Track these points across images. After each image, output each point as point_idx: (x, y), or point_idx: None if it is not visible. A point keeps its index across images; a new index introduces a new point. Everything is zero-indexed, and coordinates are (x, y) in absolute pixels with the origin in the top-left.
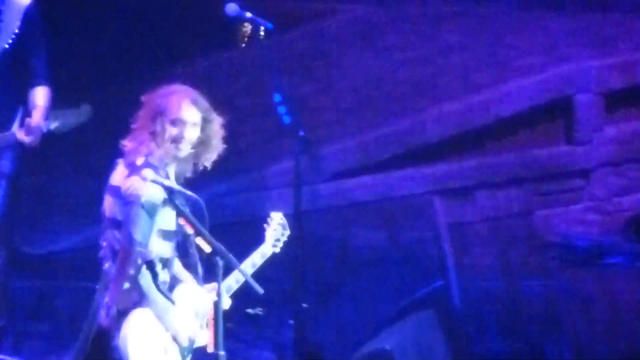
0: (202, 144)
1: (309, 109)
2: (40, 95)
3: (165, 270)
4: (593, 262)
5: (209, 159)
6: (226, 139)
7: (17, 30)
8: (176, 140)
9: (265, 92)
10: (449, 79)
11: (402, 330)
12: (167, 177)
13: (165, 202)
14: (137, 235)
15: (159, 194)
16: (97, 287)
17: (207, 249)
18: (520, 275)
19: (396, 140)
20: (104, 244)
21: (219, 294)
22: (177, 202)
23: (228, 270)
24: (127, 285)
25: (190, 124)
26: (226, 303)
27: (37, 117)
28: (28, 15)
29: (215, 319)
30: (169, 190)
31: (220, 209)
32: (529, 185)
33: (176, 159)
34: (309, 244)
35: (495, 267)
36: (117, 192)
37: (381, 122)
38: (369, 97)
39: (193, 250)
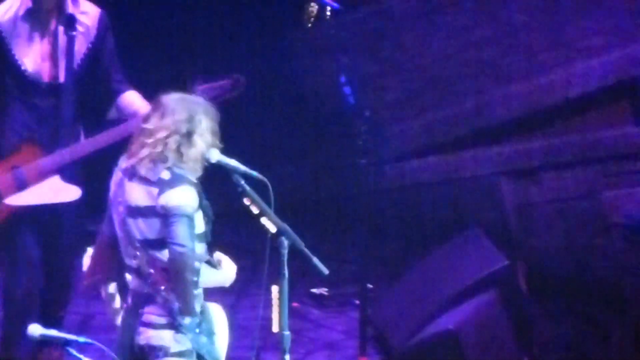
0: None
1: (374, 89)
2: (137, 98)
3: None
4: None
5: None
6: (289, 120)
7: (93, 39)
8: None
9: (330, 72)
10: (515, 59)
11: (467, 311)
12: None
13: (197, 207)
14: (189, 244)
15: (195, 201)
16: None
17: (273, 229)
18: (586, 256)
19: (462, 120)
20: (152, 270)
21: (284, 275)
22: (242, 182)
23: (293, 251)
24: (195, 292)
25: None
26: None
27: None
28: (102, 21)
29: (280, 299)
30: (234, 171)
31: (287, 189)
32: (596, 166)
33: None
34: (375, 225)
35: (561, 248)
36: (151, 211)
37: (447, 102)
38: (434, 77)
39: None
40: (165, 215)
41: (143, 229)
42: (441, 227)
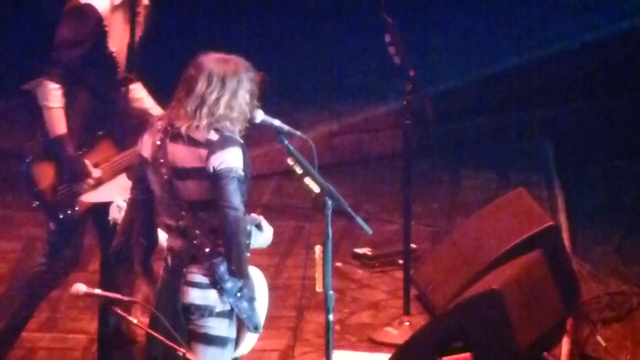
0: None
1: (419, 49)
2: (144, 91)
3: None
4: None
5: None
6: (333, 80)
7: (142, 32)
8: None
9: (374, 31)
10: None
11: (511, 271)
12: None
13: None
14: (241, 206)
15: (243, 162)
16: (165, 268)
17: (316, 189)
18: (631, 216)
19: (508, 81)
20: (198, 232)
21: (328, 235)
22: (286, 142)
23: (337, 211)
24: (248, 254)
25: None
26: None
27: None
28: (148, 15)
29: (324, 259)
30: (278, 131)
31: (330, 149)
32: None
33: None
34: (419, 185)
35: (606, 208)
36: (199, 173)
37: (492, 62)
38: (479, 37)
39: None
40: (216, 178)
41: (191, 190)
42: (485, 187)
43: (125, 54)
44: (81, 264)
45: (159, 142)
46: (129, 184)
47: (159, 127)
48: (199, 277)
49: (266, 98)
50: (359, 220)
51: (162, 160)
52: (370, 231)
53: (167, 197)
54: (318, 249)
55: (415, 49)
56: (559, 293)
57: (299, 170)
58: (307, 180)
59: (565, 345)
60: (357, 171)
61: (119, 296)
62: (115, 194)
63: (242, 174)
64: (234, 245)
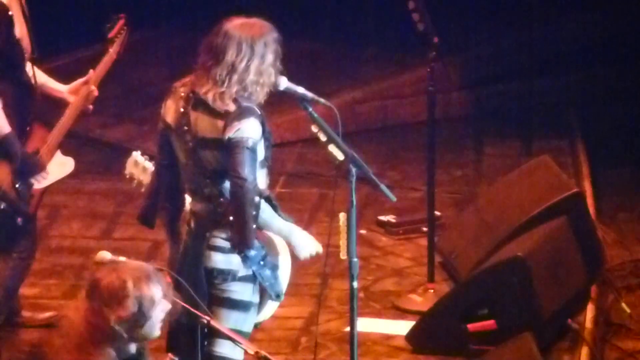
0: None
1: (442, 15)
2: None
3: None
4: None
5: None
6: (355, 47)
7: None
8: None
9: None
10: None
11: (536, 238)
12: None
13: (260, 137)
14: (250, 177)
15: (258, 133)
16: (189, 232)
17: (340, 156)
18: None
19: (531, 48)
20: (222, 200)
21: (352, 202)
22: (310, 109)
23: (361, 178)
24: (254, 225)
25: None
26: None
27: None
28: None
29: (348, 226)
30: (302, 98)
31: (354, 116)
32: None
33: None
34: (442, 152)
35: (630, 175)
36: (218, 144)
37: (517, 30)
38: (503, 4)
39: None
40: (228, 146)
41: (212, 160)
42: (509, 155)
43: (28, 39)
44: (106, 233)
45: (182, 110)
46: (66, 159)
47: (182, 94)
48: (222, 242)
49: (290, 65)
50: (383, 187)
51: (186, 128)
52: (394, 198)
53: (192, 164)
54: (342, 216)
55: (439, 15)
56: (583, 260)
57: (323, 137)
58: (331, 148)
59: (589, 312)
60: (381, 139)
61: (143, 264)
62: (57, 173)
63: (252, 145)
64: (239, 216)
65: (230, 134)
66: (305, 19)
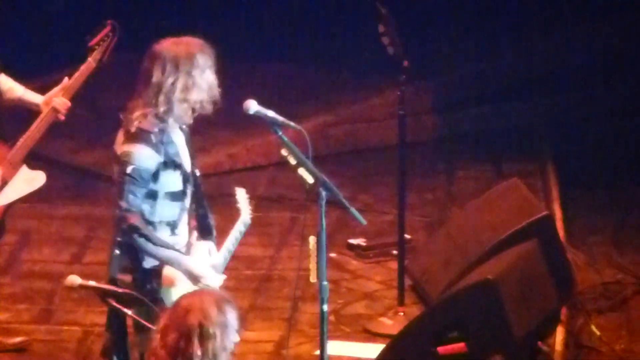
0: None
1: (413, 40)
2: (9, 80)
3: (175, 232)
4: None
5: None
6: (327, 71)
7: None
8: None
9: (368, 24)
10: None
11: (506, 261)
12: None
13: (166, 165)
14: (123, 204)
15: (148, 159)
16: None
17: (310, 180)
18: (626, 206)
19: (501, 72)
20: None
21: (322, 225)
22: (280, 133)
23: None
24: (117, 252)
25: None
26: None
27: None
28: None
29: (318, 250)
30: (272, 122)
31: (325, 139)
32: None
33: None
34: (413, 176)
35: (600, 198)
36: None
37: (487, 55)
38: (474, 30)
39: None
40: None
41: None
42: (480, 178)
43: None
44: (76, 257)
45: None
46: (33, 174)
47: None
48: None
49: (261, 88)
50: (354, 210)
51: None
52: (364, 222)
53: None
54: (312, 239)
55: (409, 39)
56: (553, 282)
57: (293, 160)
58: (301, 171)
59: (559, 334)
60: (352, 162)
61: (114, 288)
62: (23, 188)
63: (134, 172)
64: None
65: (118, 152)
66: (277, 42)
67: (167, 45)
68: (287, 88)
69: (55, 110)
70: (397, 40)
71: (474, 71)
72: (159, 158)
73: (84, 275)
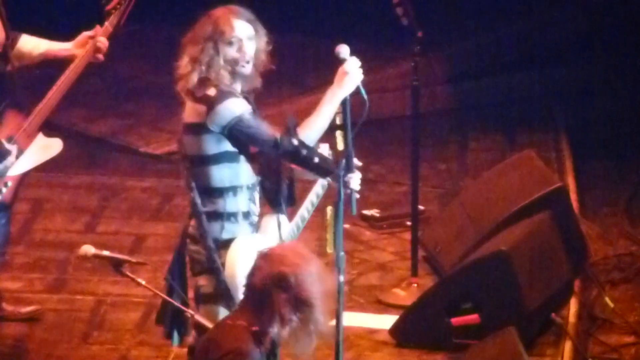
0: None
1: (426, 9)
2: (32, 38)
3: (254, 197)
4: None
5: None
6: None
7: None
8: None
9: None
10: None
11: (519, 232)
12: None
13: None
14: (268, 138)
15: (247, 106)
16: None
17: (340, 146)
18: (639, 177)
19: (515, 42)
20: (194, 187)
21: (340, 196)
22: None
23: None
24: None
25: (245, 39)
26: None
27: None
28: None
29: (335, 220)
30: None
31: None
32: None
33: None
34: (427, 147)
35: (614, 169)
36: (198, 128)
37: (500, 24)
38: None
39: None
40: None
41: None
42: (493, 149)
43: (1, 26)
44: (89, 227)
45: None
46: (49, 141)
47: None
48: (194, 231)
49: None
50: (354, 196)
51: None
52: (355, 212)
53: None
54: (329, 210)
55: (423, 9)
56: (567, 254)
57: (338, 121)
58: (338, 134)
59: (573, 306)
60: (365, 133)
61: (127, 257)
62: (39, 156)
63: (251, 115)
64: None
65: (220, 120)
66: (290, 13)
67: (200, 23)
68: (301, 59)
69: (97, 50)
70: (411, 11)
71: (488, 41)
72: (249, 107)
73: (97, 245)
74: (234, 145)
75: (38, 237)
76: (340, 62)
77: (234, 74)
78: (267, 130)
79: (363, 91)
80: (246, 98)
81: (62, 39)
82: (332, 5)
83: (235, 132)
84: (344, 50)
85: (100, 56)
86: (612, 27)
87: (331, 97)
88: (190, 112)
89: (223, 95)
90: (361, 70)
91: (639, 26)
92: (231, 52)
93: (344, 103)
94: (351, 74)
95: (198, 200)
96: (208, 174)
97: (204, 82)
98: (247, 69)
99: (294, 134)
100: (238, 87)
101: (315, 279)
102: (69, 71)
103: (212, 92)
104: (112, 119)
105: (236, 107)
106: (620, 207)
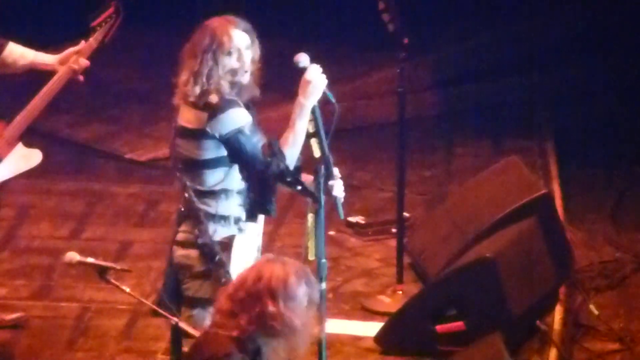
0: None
1: (412, 16)
2: (21, 47)
3: (243, 203)
4: None
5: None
6: (326, 48)
7: None
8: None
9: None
10: None
11: (505, 239)
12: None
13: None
14: (264, 162)
15: (248, 117)
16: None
17: (317, 153)
18: (624, 184)
19: (501, 48)
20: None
21: (320, 202)
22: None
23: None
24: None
25: (244, 48)
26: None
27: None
28: None
29: (316, 227)
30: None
31: (324, 116)
32: None
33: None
34: (412, 153)
35: (597, 178)
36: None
37: (486, 30)
38: (473, 4)
39: None
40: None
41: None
42: (479, 155)
43: None
44: (74, 233)
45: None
46: (28, 151)
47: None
48: (183, 236)
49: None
50: (339, 201)
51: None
52: (342, 216)
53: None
54: (310, 217)
55: (409, 15)
56: (552, 261)
57: (311, 128)
58: (313, 142)
59: (558, 313)
60: (351, 139)
61: (112, 265)
62: (18, 166)
63: (250, 130)
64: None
65: (220, 129)
66: (276, 19)
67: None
68: (286, 65)
69: (74, 72)
70: (397, 17)
71: (473, 47)
72: (249, 118)
73: (82, 251)
74: (229, 153)
75: (23, 243)
76: (301, 71)
77: (233, 84)
78: (261, 150)
79: (330, 95)
80: (247, 107)
81: (51, 48)
82: (317, 11)
83: (234, 143)
84: (303, 58)
85: (80, 77)
86: (598, 32)
87: (300, 111)
88: (189, 117)
89: (226, 103)
90: (324, 76)
91: (622, 34)
92: (230, 62)
93: (313, 111)
94: (314, 82)
95: (194, 198)
96: (202, 177)
97: (205, 93)
98: (246, 78)
99: (281, 158)
100: (236, 96)
101: (304, 292)
102: (52, 83)
103: (214, 99)
104: (98, 125)
105: (238, 119)
106: (605, 213)
